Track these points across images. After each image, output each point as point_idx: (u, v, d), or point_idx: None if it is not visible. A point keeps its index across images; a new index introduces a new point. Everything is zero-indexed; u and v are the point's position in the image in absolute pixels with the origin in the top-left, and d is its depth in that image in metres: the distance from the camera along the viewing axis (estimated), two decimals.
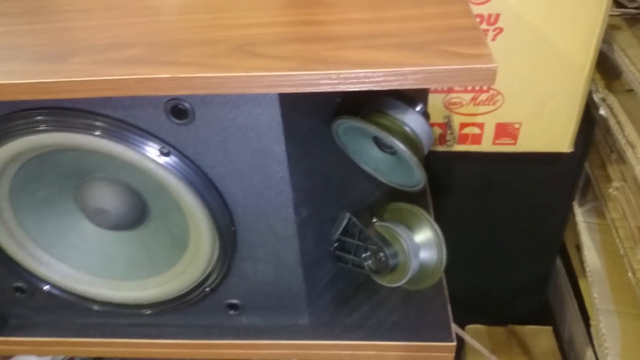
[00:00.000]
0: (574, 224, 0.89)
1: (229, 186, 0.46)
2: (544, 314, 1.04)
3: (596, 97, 0.75)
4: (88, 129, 0.43)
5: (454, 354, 0.54)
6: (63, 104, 0.43)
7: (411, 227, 0.56)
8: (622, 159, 0.72)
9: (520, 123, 0.75)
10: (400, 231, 0.55)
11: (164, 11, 0.50)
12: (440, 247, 0.55)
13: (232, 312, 0.55)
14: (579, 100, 0.72)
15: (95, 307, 0.57)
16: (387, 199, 0.60)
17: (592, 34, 0.66)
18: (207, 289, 0.53)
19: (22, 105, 0.43)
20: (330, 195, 0.57)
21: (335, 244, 0.58)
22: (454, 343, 0.53)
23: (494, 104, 0.73)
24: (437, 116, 0.75)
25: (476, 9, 0.65)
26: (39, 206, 0.52)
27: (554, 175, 0.82)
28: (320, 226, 0.56)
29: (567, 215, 0.89)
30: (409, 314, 0.56)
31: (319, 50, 0.40)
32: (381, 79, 0.36)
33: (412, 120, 0.49)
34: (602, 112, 0.73)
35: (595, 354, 0.77)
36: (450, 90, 0.73)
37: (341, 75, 0.36)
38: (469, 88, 0.72)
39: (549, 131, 0.75)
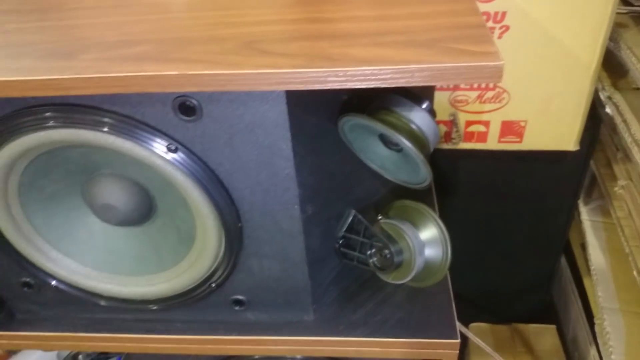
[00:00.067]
0: (579, 222, 0.89)
1: (236, 183, 0.47)
2: (548, 313, 1.04)
3: (602, 95, 0.75)
4: (96, 126, 0.43)
5: (458, 351, 0.54)
6: (72, 100, 0.43)
7: (416, 225, 0.56)
8: (628, 158, 0.72)
9: (526, 121, 0.75)
10: (406, 228, 0.55)
11: (171, 8, 0.50)
12: (445, 245, 0.55)
13: (237, 308, 0.56)
14: (585, 99, 0.71)
15: (102, 303, 0.57)
16: (393, 197, 0.60)
17: (598, 32, 0.66)
18: (213, 285, 0.53)
19: (31, 102, 0.44)
20: (336, 192, 0.57)
21: (341, 241, 0.58)
22: (458, 340, 0.53)
23: (499, 101, 0.73)
24: (442, 114, 0.75)
25: (483, 7, 0.65)
26: (47, 202, 0.52)
27: (560, 174, 0.82)
28: (326, 223, 0.56)
29: (572, 213, 0.89)
30: (413, 311, 0.56)
31: (325, 47, 0.40)
32: (388, 76, 0.36)
33: (418, 117, 0.49)
34: (608, 110, 0.73)
35: (599, 352, 0.77)
36: (456, 88, 0.73)
37: (348, 73, 0.36)
38: (475, 86, 0.72)
39: (555, 129, 0.75)
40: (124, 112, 0.43)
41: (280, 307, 0.56)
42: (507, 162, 0.81)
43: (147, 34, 0.45)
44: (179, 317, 0.58)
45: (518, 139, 0.76)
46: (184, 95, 0.42)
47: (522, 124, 0.75)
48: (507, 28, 0.67)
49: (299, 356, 0.61)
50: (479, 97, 0.73)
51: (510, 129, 0.76)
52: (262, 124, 0.43)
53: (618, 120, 0.70)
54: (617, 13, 0.67)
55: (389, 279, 0.57)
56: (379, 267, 0.57)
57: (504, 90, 0.72)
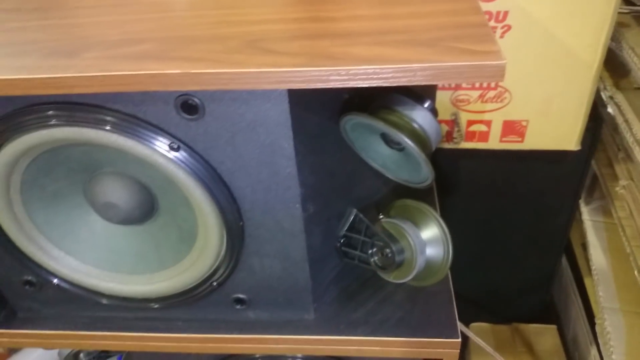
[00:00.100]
0: (580, 222, 0.89)
1: (237, 181, 0.47)
2: (549, 313, 1.04)
3: (604, 95, 0.75)
4: (99, 124, 0.44)
5: (459, 351, 0.54)
6: (74, 98, 0.43)
7: (418, 224, 0.56)
8: (629, 157, 0.72)
9: (527, 121, 0.75)
10: (407, 227, 0.55)
11: (174, 7, 0.50)
12: (446, 244, 0.55)
13: (238, 306, 0.56)
14: (587, 98, 0.71)
15: (104, 301, 0.57)
16: (394, 196, 0.60)
17: (600, 32, 0.66)
18: (215, 284, 0.53)
19: (34, 100, 0.44)
20: (337, 191, 0.57)
21: (342, 240, 0.58)
22: (459, 339, 0.53)
23: (501, 101, 0.73)
24: (444, 113, 0.75)
25: (485, 6, 0.65)
26: (49, 200, 0.52)
27: (561, 173, 0.82)
28: (327, 222, 0.56)
29: (573, 213, 0.89)
30: (414, 310, 0.57)
31: (327, 46, 0.40)
32: (390, 75, 0.36)
33: (420, 116, 0.49)
34: (609, 110, 0.73)
35: (600, 352, 0.78)
36: (457, 88, 0.73)
37: (350, 72, 0.36)
38: (477, 85, 0.72)
39: (557, 129, 0.75)
40: (127, 110, 0.43)
41: (281, 306, 0.56)
42: (509, 162, 0.81)
43: (149, 32, 0.45)
44: (180, 316, 0.58)
45: (519, 139, 0.76)
46: (186, 94, 0.42)
47: (524, 123, 0.75)
48: (509, 27, 0.67)
49: (299, 355, 0.61)
50: (481, 96, 0.73)
51: (511, 128, 0.76)
52: (264, 122, 0.43)
53: (620, 120, 0.70)
54: (619, 13, 0.67)
55: (390, 278, 0.57)
56: (380, 266, 0.57)
57: (506, 90, 0.72)
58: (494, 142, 0.77)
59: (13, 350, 1.15)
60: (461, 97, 0.74)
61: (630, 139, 0.67)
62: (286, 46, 0.41)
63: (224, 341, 0.57)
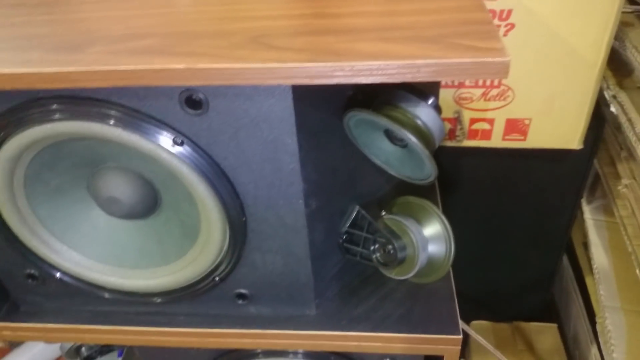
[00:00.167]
0: (582, 221, 0.89)
1: (241, 177, 0.47)
2: (549, 311, 1.04)
3: (607, 94, 0.74)
4: (103, 118, 0.44)
5: (460, 347, 0.54)
6: (78, 93, 0.43)
7: (420, 221, 0.56)
8: (632, 157, 0.72)
9: (530, 119, 0.75)
10: (409, 224, 0.55)
11: (178, 3, 0.50)
12: (448, 241, 0.55)
13: (240, 301, 0.56)
14: (590, 97, 0.71)
15: (106, 295, 0.58)
16: (396, 193, 0.60)
17: (604, 31, 0.66)
18: (217, 279, 0.53)
19: (38, 94, 0.44)
20: (340, 187, 0.57)
21: (344, 236, 0.58)
22: (461, 336, 0.53)
23: (504, 99, 0.73)
24: (447, 111, 0.75)
25: (488, 5, 0.65)
26: (53, 194, 0.52)
27: (563, 172, 0.82)
28: (330, 218, 0.57)
29: (574, 212, 0.89)
30: (415, 307, 0.57)
31: (332, 42, 0.40)
32: (394, 71, 0.36)
33: (424, 113, 0.49)
34: (612, 109, 0.73)
35: (600, 351, 0.78)
36: (460, 85, 0.73)
37: (355, 67, 0.37)
38: (480, 83, 0.72)
39: (559, 128, 0.75)
40: (131, 105, 0.44)
41: (283, 302, 0.56)
42: (511, 160, 0.81)
43: (153, 27, 0.46)
44: (182, 311, 0.58)
45: (522, 137, 0.76)
46: (190, 89, 0.42)
47: (527, 122, 0.75)
48: (513, 26, 0.67)
49: (301, 350, 0.61)
50: (484, 94, 0.73)
51: (514, 126, 0.76)
52: (267, 118, 0.43)
53: (622, 119, 0.70)
54: (623, 12, 0.67)
55: (392, 274, 0.57)
56: (382, 262, 0.57)
57: (509, 88, 0.72)
58: (497, 141, 0.77)
59: (14, 345, 1.15)
60: (464, 95, 0.74)
61: (632, 138, 0.67)
62: (290, 42, 0.41)
63: (225, 336, 0.57)
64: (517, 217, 0.90)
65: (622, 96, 0.72)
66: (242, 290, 0.55)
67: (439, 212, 0.56)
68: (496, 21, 0.67)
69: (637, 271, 0.67)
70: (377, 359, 0.61)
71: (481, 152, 0.79)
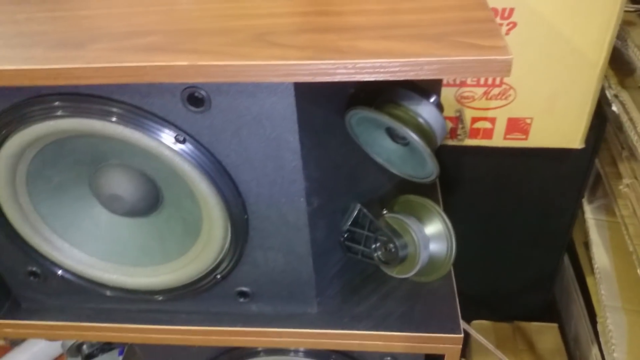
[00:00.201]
0: (583, 221, 0.89)
1: (243, 174, 0.47)
2: (550, 311, 1.04)
3: (609, 94, 0.75)
4: (105, 115, 0.44)
5: (461, 346, 0.54)
6: (81, 90, 0.44)
7: (421, 219, 0.56)
8: (633, 156, 0.72)
9: (531, 118, 0.75)
10: (411, 223, 0.55)
11: (181, 0, 0.50)
12: (450, 240, 0.55)
13: (242, 299, 0.56)
14: (592, 97, 0.71)
15: (108, 293, 0.58)
16: (397, 192, 0.60)
17: (606, 30, 0.66)
18: (218, 277, 0.53)
19: (41, 91, 0.44)
20: (342, 185, 0.57)
21: (346, 235, 0.58)
22: (462, 335, 0.53)
23: (506, 98, 0.73)
24: (449, 110, 0.75)
25: (490, 3, 0.64)
26: (55, 191, 0.52)
27: (564, 172, 0.82)
28: (331, 216, 0.57)
29: (576, 212, 0.89)
30: (416, 306, 0.57)
31: (334, 40, 0.40)
32: (397, 69, 0.36)
33: (425, 111, 0.49)
34: (614, 108, 0.73)
35: (601, 351, 0.78)
36: (462, 84, 0.73)
37: (357, 65, 0.37)
38: (482, 82, 0.72)
39: (561, 127, 0.75)
40: (133, 102, 0.44)
41: (284, 300, 0.56)
42: (512, 159, 0.81)
43: (156, 25, 0.46)
44: (184, 308, 0.58)
45: (523, 136, 0.76)
46: (193, 86, 0.42)
47: (528, 121, 0.75)
48: (515, 25, 0.67)
49: (302, 348, 0.61)
50: (485, 93, 0.73)
51: (516, 126, 0.76)
52: (270, 116, 0.43)
53: (624, 118, 0.70)
54: (625, 11, 0.67)
55: (394, 272, 0.58)
56: (384, 261, 0.57)
57: (510, 87, 0.72)
58: (498, 140, 0.77)
59: (15, 343, 1.15)
60: (466, 94, 0.74)
61: (634, 138, 0.67)
62: (293, 39, 0.41)
63: (226, 334, 0.57)
64: (518, 216, 0.90)
65: (624, 95, 0.72)
66: (244, 288, 0.55)
67: (441, 210, 0.56)
68: (498, 20, 0.67)
69: (639, 271, 0.67)
70: (378, 357, 0.61)
71: (482, 151, 0.79)
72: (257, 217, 0.49)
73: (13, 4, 0.53)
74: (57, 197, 0.53)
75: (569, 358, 0.97)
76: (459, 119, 0.76)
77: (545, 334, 1.01)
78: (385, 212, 0.57)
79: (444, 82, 0.73)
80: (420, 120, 0.49)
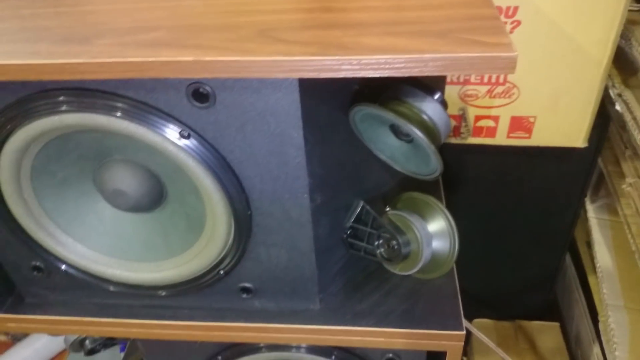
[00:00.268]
0: (585, 220, 0.89)
1: (246, 170, 0.47)
2: (552, 310, 1.04)
3: (612, 93, 0.74)
4: (110, 110, 0.44)
5: (463, 343, 0.54)
6: (86, 85, 0.44)
7: (424, 217, 0.56)
8: (636, 155, 0.72)
9: (535, 117, 0.75)
10: (414, 220, 0.55)
11: None
12: (452, 237, 0.55)
13: (245, 295, 0.56)
14: (595, 96, 0.71)
15: (111, 288, 0.58)
16: (401, 189, 0.60)
17: (610, 29, 0.66)
18: (222, 272, 0.54)
19: (46, 86, 0.44)
20: (345, 182, 0.57)
21: (349, 231, 0.59)
22: (464, 332, 0.54)
23: (509, 97, 0.73)
24: (452, 108, 0.75)
25: (495, 1, 0.64)
26: (59, 186, 0.53)
27: (567, 170, 0.82)
28: (334, 213, 0.57)
29: (578, 211, 0.89)
30: (419, 303, 0.57)
31: (339, 36, 0.40)
32: (402, 65, 0.36)
33: (430, 108, 0.49)
34: (617, 107, 0.72)
35: (603, 350, 0.78)
36: (466, 82, 0.73)
37: (362, 61, 0.37)
38: (485, 80, 0.72)
39: (564, 126, 0.75)
40: (138, 97, 0.44)
41: (287, 296, 0.56)
42: (515, 158, 0.81)
43: (161, 20, 0.46)
44: (186, 304, 0.58)
45: (527, 135, 0.76)
46: (197, 81, 0.42)
47: (531, 119, 0.75)
48: (519, 23, 0.67)
49: (304, 344, 0.61)
50: (489, 91, 0.73)
51: (519, 124, 0.76)
52: (274, 112, 0.43)
53: (628, 117, 0.70)
54: (630, 10, 0.67)
55: (396, 270, 0.58)
56: (386, 258, 0.57)
57: (514, 86, 0.72)
58: (501, 138, 0.77)
59: (17, 339, 1.16)
60: (469, 92, 0.74)
61: (638, 137, 0.67)
62: (297, 35, 0.41)
63: (229, 329, 0.57)
64: (520, 215, 0.90)
65: (628, 95, 0.72)
66: (247, 284, 0.55)
67: (444, 208, 0.56)
68: (502, 18, 0.67)
69: None
70: (380, 354, 0.61)
71: (485, 150, 0.79)
72: (261, 213, 0.50)
73: None
74: (61, 192, 0.53)
75: (570, 357, 0.97)
76: (462, 117, 0.76)
77: (547, 333, 1.01)
78: (388, 209, 0.57)
79: (448, 79, 0.73)
80: (425, 117, 0.49)
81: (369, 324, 0.55)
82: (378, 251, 0.57)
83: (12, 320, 0.62)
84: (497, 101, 0.74)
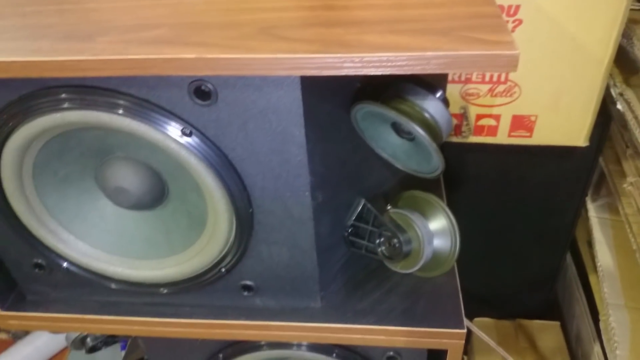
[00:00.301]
0: (586, 219, 0.89)
1: (248, 168, 0.47)
2: (552, 309, 1.05)
3: (613, 92, 0.74)
4: (112, 108, 0.44)
5: (464, 341, 0.54)
6: (88, 82, 0.44)
7: (426, 215, 0.56)
8: (637, 154, 0.72)
9: (536, 116, 0.75)
10: (415, 218, 0.55)
11: None
12: (454, 235, 0.55)
13: (246, 293, 0.56)
14: (596, 94, 0.71)
15: (112, 286, 0.58)
16: (401, 188, 0.60)
17: (612, 28, 0.66)
18: (223, 270, 0.54)
19: (48, 83, 0.44)
20: (346, 180, 0.57)
21: (350, 229, 0.59)
22: (465, 330, 0.54)
23: (510, 95, 0.73)
24: (453, 107, 0.75)
25: (496, 0, 0.65)
26: (61, 184, 0.53)
27: (568, 169, 0.82)
28: (336, 211, 0.57)
29: (579, 210, 0.89)
30: (420, 301, 0.57)
31: (341, 34, 0.40)
32: (404, 62, 0.36)
33: (431, 106, 0.49)
34: (619, 106, 0.73)
35: (603, 350, 0.78)
36: (467, 81, 0.73)
37: (364, 59, 0.37)
38: (487, 79, 0.73)
39: (565, 125, 0.75)
40: (140, 95, 0.44)
41: (288, 294, 0.56)
42: (517, 157, 0.81)
43: (163, 18, 0.46)
44: (188, 302, 0.58)
45: (528, 134, 0.76)
46: (199, 79, 0.42)
47: (533, 118, 0.75)
48: (520, 22, 0.67)
49: (305, 342, 0.61)
50: (490, 90, 0.73)
51: (520, 123, 0.76)
52: (276, 109, 0.43)
53: (629, 116, 0.70)
54: (631, 9, 0.67)
55: (397, 268, 0.58)
56: (388, 256, 0.57)
57: (515, 84, 0.72)
58: (503, 137, 0.78)
59: (18, 337, 1.16)
60: (471, 91, 0.74)
61: (639, 136, 0.67)
62: (300, 33, 0.41)
63: (230, 327, 0.57)
64: (521, 214, 0.90)
65: (629, 94, 0.72)
66: (248, 282, 0.55)
67: (445, 206, 0.56)
68: (504, 17, 0.67)
69: None
70: (381, 352, 0.61)
71: (487, 149, 0.79)
72: (262, 211, 0.50)
73: None
74: (63, 190, 0.53)
75: (570, 356, 0.97)
76: (463, 115, 0.76)
77: (548, 332, 1.01)
78: (389, 207, 0.57)
79: (450, 78, 0.73)
80: (426, 115, 0.49)
81: (370, 322, 0.55)
82: (379, 249, 0.57)
83: (13, 318, 0.62)
84: (499, 100, 0.74)
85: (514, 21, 0.67)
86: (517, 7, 0.66)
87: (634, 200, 0.71)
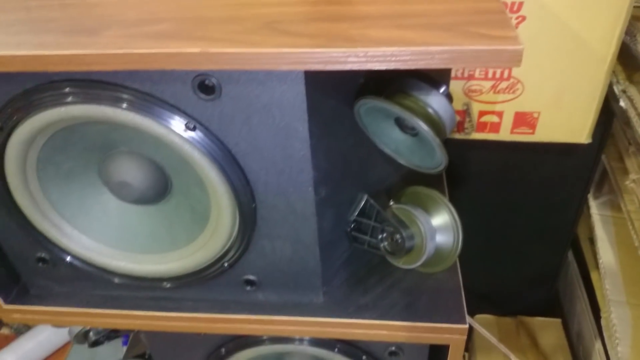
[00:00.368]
0: (588, 217, 0.89)
1: (251, 163, 0.47)
2: (554, 307, 1.05)
3: (616, 89, 0.74)
4: (116, 102, 0.44)
5: (465, 337, 0.55)
6: (92, 76, 0.44)
7: (428, 211, 0.57)
8: None
9: (539, 112, 0.74)
10: (418, 214, 0.55)
11: None
12: (456, 231, 0.55)
13: (248, 288, 0.56)
14: (599, 92, 0.71)
15: (115, 280, 0.58)
16: (404, 183, 0.61)
17: (615, 25, 0.66)
18: (226, 265, 0.54)
19: (52, 77, 0.44)
20: (349, 176, 0.57)
21: (352, 225, 0.59)
22: (467, 325, 0.54)
23: (513, 92, 0.73)
24: (456, 103, 0.75)
25: None
26: (64, 178, 0.53)
27: (571, 166, 0.82)
28: (338, 206, 0.57)
29: (581, 207, 0.89)
30: (422, 296, 0.57)
31: (345, 28, 0.40)
32: (408, 57, 0.36)
33: (435, 101, 0.49)
34: (622, 103, 0.72)
35: (605, 347, 0.78)
36: (470, 77, 0.73)
37: (368, 53, 0.37)
38: (490, 76, 0.72)
39: (568, 121, 0.75)
40: (144, 89, 0.44)
41: (290, 288, 0.56)
42: (519, 154, 0.81)
43: (168, 12, 0.46)
44: (191, 296, 0.59)
45: (530, 131, 0.76)
46: (203, 74, 0.42)
47: (535, 115, 0.75)
48: (524, 18, 0.67)
49: (307, 337, 0.61)
50: (493, 87, 0.73)
51: (523, 120, 0.76)
52: (279, 104, 0.43)
53: (632, 114, 0.70)
54: (635, 7, 0.67)
55: (400, 263, 0.58)
56: (390, 251, 0.57)
57: (518, 81, 0.72)
58: (505, 134, 0.77)
59: (20, 332, 1.16)
60: (474, 88, 0.74)
61: None
62: (304, 28, 0.41)
63: (232, 322, 0.58)
64: (523, 210, 0.90)
65: (632, 91, 0.72)
66: (251, 277, 0.56)
67: (447, 202, 0.56)
68: (507, 14, 0.66)
69: None
70: (383, 347, 0.61)
71: (489, 145, 0.79)
72: (265, 205, 0.50)
73: None
74: (66, 184, 0.53)
75: (572, 353, 0.97)
76: (466, 112, 0.76)
77: (549, 329, 1.01)
78: (392, 203, 0.58)
79: (452, 74, 0.73)
80: (430, 110, 0.49)
81: (372, 317, 0.55)
82: (382, 245, 0.57)
83: (17, 312, 0.62)
84: (501, 97, 0.74)
85: (517, 18, 0.67)
86: (521, 3, 0.66)
87: (636, 198, 0.71)
